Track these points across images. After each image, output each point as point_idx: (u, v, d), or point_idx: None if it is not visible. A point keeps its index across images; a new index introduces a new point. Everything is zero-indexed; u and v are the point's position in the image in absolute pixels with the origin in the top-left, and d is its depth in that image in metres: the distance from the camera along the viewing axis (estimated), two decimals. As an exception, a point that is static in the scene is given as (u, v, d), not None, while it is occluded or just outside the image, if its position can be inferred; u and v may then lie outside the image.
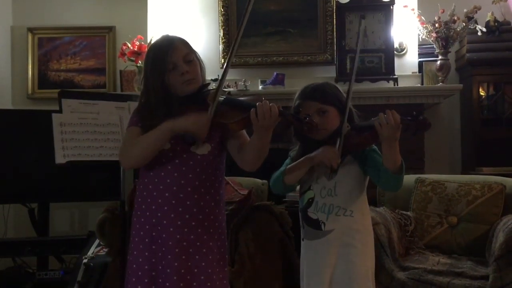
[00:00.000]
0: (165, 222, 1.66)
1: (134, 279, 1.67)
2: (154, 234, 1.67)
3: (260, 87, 3.80)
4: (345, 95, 1.85)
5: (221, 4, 3.96)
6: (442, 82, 3.72)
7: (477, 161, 3.70)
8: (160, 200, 1.67)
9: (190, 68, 1.70)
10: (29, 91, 4.32)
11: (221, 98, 1.65)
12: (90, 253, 2.94)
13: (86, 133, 3.10)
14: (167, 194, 1.66)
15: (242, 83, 3.71)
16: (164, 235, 1.66)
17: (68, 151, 3.03)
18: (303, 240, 1.88)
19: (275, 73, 3.77)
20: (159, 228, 1.67)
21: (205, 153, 1.69)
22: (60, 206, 4.03)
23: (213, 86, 1.78)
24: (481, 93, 3.83)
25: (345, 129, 1.73)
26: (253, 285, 2.53)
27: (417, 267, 2.49)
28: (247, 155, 1.68)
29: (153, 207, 1.68)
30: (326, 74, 3.83)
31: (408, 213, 2.92)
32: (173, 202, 1.66)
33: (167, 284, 1.63)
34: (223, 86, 1.66)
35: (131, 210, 1.82)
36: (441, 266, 2.53)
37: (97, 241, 3.02)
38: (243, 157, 1.69)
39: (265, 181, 3.02)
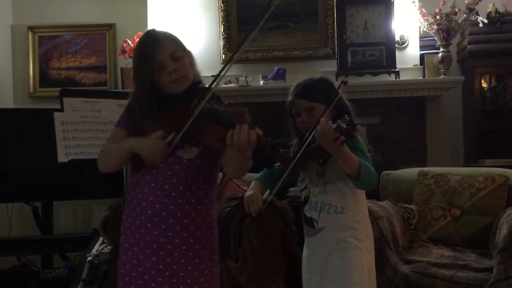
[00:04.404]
0: (149, 225, 1.62)
1: (127, 279, 1.64)
2: (137, 235, 1.63)
3: (261, 82, 3.79)
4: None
5: (221, 0, 3.95)
6: (444, 74, 3.71)
7: (479, 153, 3.69)
8: (144, 204, 1.63)
9: (178, 65, 1.61)
10: (31, 90, 4.32)
11: (208, 106, 1.56)
12: (94, 250, 2.94)
13: (88, 131, 3.12)
14: (151, 198, 1.62)
15: (243, 79, 3.71)
16: (148, 238, 1.62)
17: (70, 150, 3.05)
18: (305, 237, 1.91)
19: (276, 68, 3.76)
20: (142, 231, 1.62)
21: (192, 157, 1.63)
22: (63, 204, 4.04)
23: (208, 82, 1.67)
24: (483, 85, 3.81)
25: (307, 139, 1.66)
26: (256, 280, 2.53)
27: (421, 260, 2.49)
28: (228, 167, 1.65)
29: (138, 209, 1.65)
30: (327, 68, 3.83)
31: (411, 206, 2.92)
32: (157, 206, 1.61)
33: (152, 284, 1.60)
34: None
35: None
36: (445, 259, 2.53)
37: (101, 239, 3.02)
38: (226, 167, 1.66)
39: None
